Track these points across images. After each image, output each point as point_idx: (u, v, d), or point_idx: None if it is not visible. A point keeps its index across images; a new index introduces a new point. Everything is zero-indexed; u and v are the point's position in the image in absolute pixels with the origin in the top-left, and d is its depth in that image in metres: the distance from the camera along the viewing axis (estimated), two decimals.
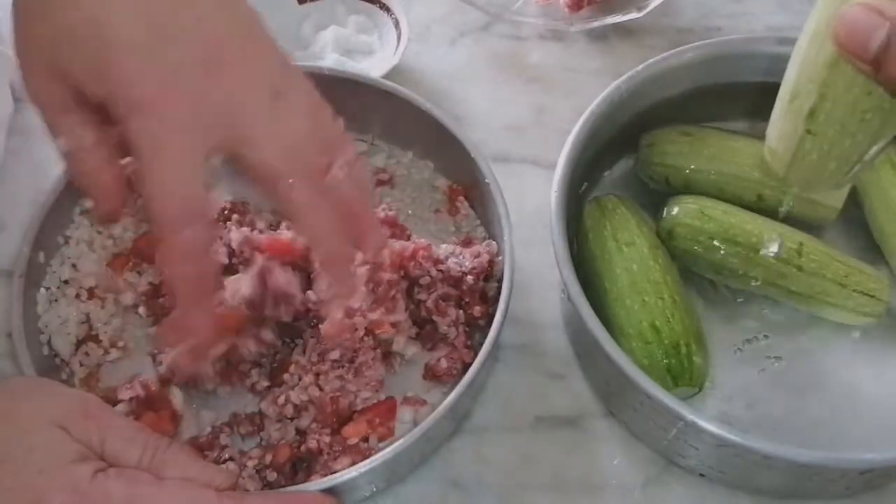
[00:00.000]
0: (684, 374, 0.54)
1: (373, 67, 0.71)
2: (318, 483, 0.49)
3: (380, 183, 0.65)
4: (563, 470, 0.55)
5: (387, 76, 0.69)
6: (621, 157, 0.66)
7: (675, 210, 0.60)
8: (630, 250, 0.57)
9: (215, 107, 0.42)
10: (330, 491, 0.48)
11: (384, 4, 0.74)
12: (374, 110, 0.64)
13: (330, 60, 0.71)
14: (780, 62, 0.64)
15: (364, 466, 0.48)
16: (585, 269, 0.58)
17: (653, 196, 0.63)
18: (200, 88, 0.42)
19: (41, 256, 0.58)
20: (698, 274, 0.60)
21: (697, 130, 0.63)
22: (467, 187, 0.63)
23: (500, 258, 0.57)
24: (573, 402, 0.57)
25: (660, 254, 0.58)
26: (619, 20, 0.75)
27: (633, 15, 0.75)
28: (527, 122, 0.71)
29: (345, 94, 0.61)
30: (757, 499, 0.54)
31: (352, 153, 0.46)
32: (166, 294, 0.50)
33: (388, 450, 0.49)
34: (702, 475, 0.54)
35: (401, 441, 0.49)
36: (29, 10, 0.43)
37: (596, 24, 0.75)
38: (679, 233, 0.59)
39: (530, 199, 0.65)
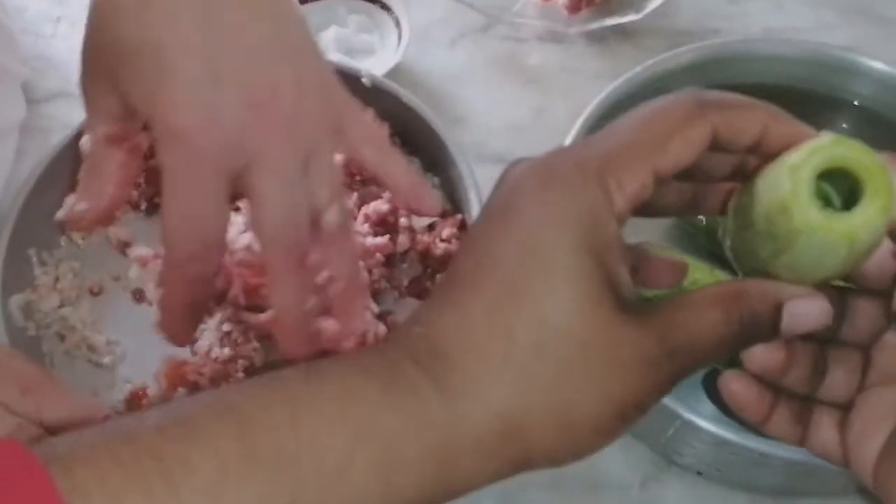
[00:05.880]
0: None
1: (373, 67, 0.71)
2: None
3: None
4: (562, 469, 0.55)
5: (387, 76, 0.69)
6: None
7: None
8: None
9: (247, 151, 0.43)
10: None
11: (384, 4, 0.75)
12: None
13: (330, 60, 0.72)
14: (778, 64, 0.65)
15: None
16: None
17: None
18: (239, 130, 0.42)
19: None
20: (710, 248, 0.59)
21: None
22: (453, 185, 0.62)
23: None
24: None
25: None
26: (617, 22, 0.75)
27: (632, 17, 0.75)
28: (526, 123, 0.72)
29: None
30: (754, 497, 0.54)
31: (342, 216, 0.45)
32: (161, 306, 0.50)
33: None
34: (700, 473, 0.54)
35: None
36: (102, 16, 0.44)
37: (595, 25, 0.75)
38: None
39: None
